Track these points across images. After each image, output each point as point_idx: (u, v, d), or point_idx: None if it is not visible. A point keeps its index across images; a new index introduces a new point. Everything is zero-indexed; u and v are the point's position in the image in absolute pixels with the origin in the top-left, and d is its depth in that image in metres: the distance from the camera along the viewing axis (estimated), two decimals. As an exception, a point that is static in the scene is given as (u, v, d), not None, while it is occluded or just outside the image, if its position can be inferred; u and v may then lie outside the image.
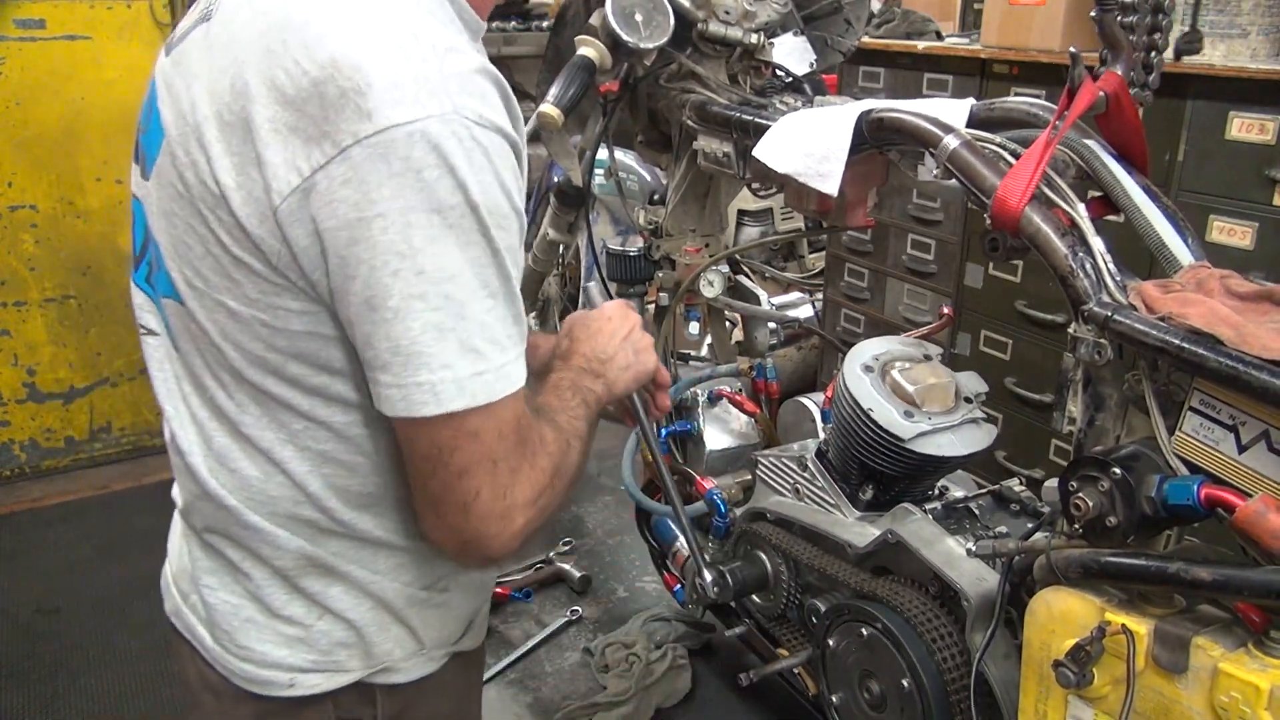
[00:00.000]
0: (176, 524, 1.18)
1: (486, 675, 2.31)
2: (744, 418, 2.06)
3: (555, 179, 2.53)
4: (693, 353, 2.53)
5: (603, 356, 1.17)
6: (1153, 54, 1.32)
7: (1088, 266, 1.17)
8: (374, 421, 0.95)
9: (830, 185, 1.49)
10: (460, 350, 0.86)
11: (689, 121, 1.86)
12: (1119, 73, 1.30)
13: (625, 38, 1.70)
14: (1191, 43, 2.34)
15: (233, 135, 0.86)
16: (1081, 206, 1.22)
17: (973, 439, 1.46)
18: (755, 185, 1.88)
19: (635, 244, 2.26)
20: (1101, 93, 1.25)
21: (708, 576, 1.71)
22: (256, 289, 0.89)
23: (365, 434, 0.96)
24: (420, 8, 0.89)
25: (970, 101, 1.48)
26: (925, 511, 1.49)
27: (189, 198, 0.90)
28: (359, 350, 0.89)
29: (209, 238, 0.90)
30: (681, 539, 2.06)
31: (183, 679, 1.15)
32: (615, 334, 1.20)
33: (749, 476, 1.87)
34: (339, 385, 0.94)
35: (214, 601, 1.06)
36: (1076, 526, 1.11)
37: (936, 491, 1.63)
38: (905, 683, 1.38)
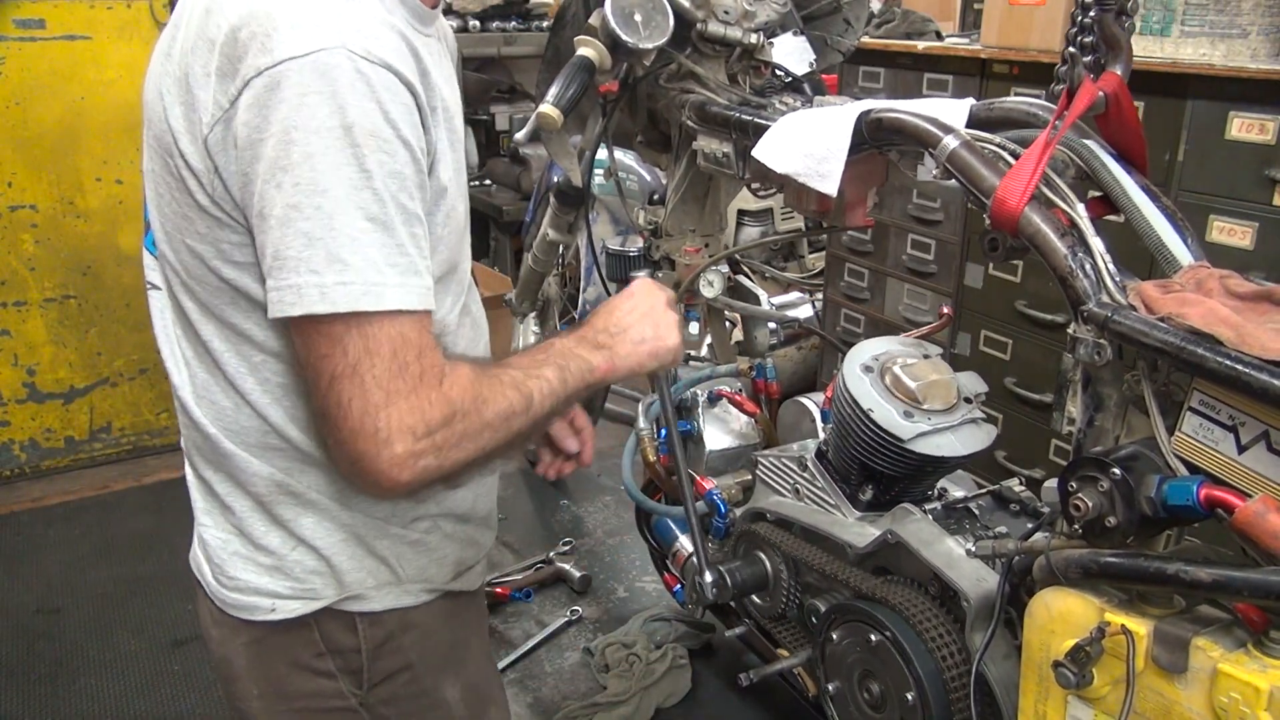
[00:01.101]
0: (185, 471, 1.25)
1: (486, 675, 2.31)
2: (744, 418, 2.06)
3: (555, 179, 2.53)
4: (693, 353, 2.53)
5: (614, 329, 1.19)
6: (1133, 55, 1.32)
7: (1087, 267, 1.17)
8: None
9: (830, 185, 1.49)
10: (327, 260, 0.92)
11: (688, 121, 1.86)
12: (1118, 73, 1.30)
13: (625, 38, 1.70)
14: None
15: (179, 87, 0.99)
16: (1081, 206, 1.22)
17: (972, 439, 1.46)
18: (755, 185, 1.88)
19: (635, 244, 2.26)
20: (1101, 93, 1.25)
21: (708, 577, 1.71)
22: (204, 224, 1.01)
23: None
24: None
25: (970, 101, 1.48)
26: (925, 512, 1.49)
27: (158, 150, 1.03)
28: (260, 263, 0.97)
29: (171, 183, 1.02)
30: (684, 539, 2.06)
31: (198, 617, 1.25)
32: (635, 309, 1.22)
33: (749, 476, 1.87)
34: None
35: (209, 538, 1.17)
36: (1076, 527, 1.11)
37: (936, 492, 1.63)
38: (905, 682, 1.38)
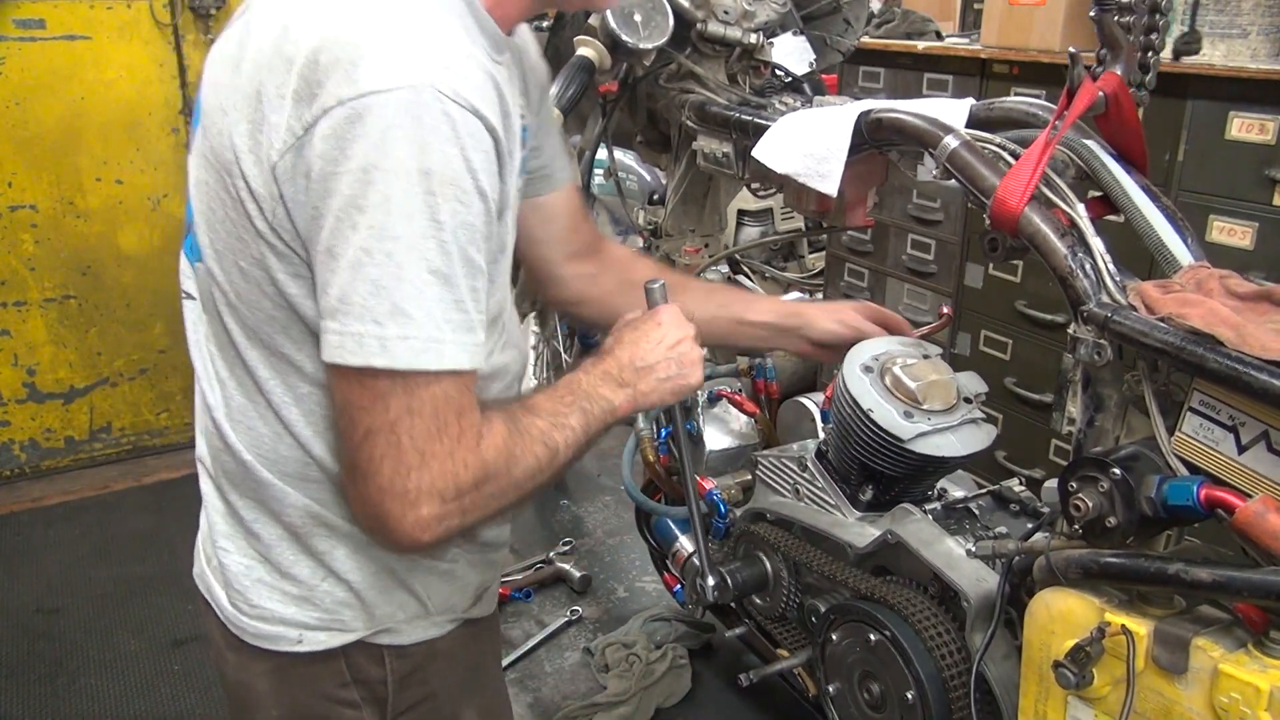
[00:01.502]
0: (203, 489, 1.21)
1: (486, 675, 2.31)
2: (744, 418, 2.06)
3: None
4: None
5: (639, 364, 1.17)
6: (1149, 54, 1.31)
7: (1087, 267, 1.17)
8: None
9: (830, 185, 1.49)
10: (391, 311, 0.89)
11: (688, 122, 1.86)
12: (1118, 73, 1.29)
13: (624, 38, 1.70)
14: (1190, 43, 2.34)
15: (249, 104, 0.93)
16: (1081, 207, 1.22)
17: (972, 439, 1.46)
18: (755, 185, 1.88)
19: (635, 244, 2.26)
20: (1101, 93, 1.25)
21: (710, 580, 1.71)
22: (260, 248, 0.96)
23: None
24: (434, 9, 0.94)
25: (970, 101, 1.48)
26: (925, 512, 1.49)
27: (215, 166, 0.98)
28: (318, 299, 0.93)
29: (227, 201, 0.97)
30: (684, 539, 2.06)
31: (209, 638, 1.20)
32: (662, 341, 1.19)
33: (749, 477, 1.87)
34: None
35: (229, 563, 1.12)
36: (1076, 527, 1.11)
37: (936, 492, 1.63)
38: (905, 683, 1.38)
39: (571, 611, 2.59)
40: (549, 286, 1.53)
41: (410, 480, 0.93)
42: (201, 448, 1.16)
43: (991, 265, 2.99)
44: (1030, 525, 1.41)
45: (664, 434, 2.04)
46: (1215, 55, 2.39)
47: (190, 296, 1.11)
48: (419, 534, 0.95)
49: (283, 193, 0.92)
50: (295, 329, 0.99)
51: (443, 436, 0.94)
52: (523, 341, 1.25)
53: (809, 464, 1.64)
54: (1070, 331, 1.18)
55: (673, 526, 2.09)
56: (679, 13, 1.75)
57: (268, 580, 1.10)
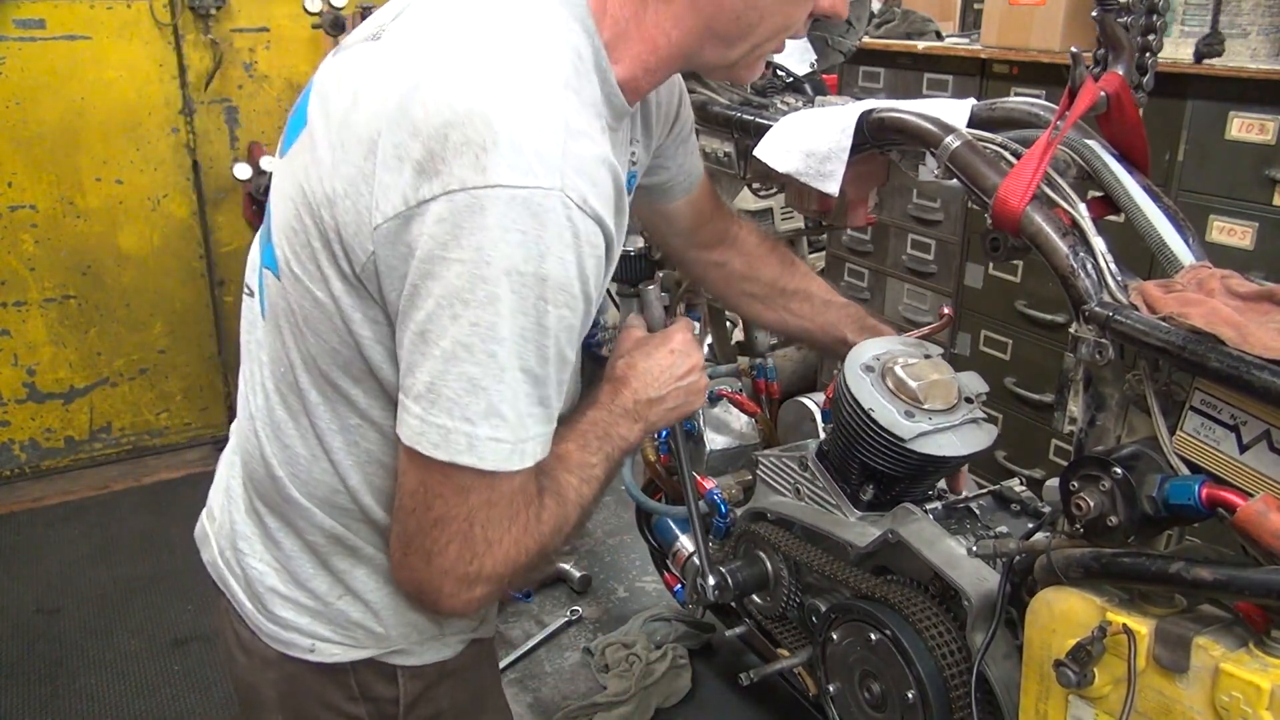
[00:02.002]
0: (220, 478, 1.22)
1: (487, 675, 2.31)
2: (744, 418, 2.06)
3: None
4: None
5: (652, 397, 1.18)
6: (1147, 54, 1.31)
7: (1089, 266, 1.17)
8: None
9: (831, 185, 1.49)
10: (486, 411, 0.88)
11: (689, 121, 1.86)
12: (1120, 73, 1.30)
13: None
14: (1212, 44, 2.34)
15: (359, 148, 0.90)
16: (1082, 206, 1.22)
17: (973, 439, 1.46)
18: (756, 185, 1.88)
19: (635, 243, 2.26)
20: (1102, 93, 1.25)
21: (710, 580, 1.71)
22: (339, 285, 0.94)
23: None
24: (567, 83, 0.92)
25: (971, 101, 1.48)
26: (926, 511, 1.49)
27: (305, 189, 0.95)
28: (401, 371, 0.92)
29: (311, 230, 0.95)
30: (684, 538, 2.06)
31: (219, 634, 1.21)
32: (673, 371, 1.20)
33: (749, 476, 1.87)
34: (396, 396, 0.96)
35: (248, 565, 1.12)
36: (1077, 526, 1.11)
37: (937, 492, 1.63)
38: (905, 682, 1.38)
39: (571, 611, 2.59)
40: (678, 266, 1.71)
41: (473, 566, 0.94)
42: (234, 443, 1.17)
43: (992, 265, 2.99)
44: (1031, 525, 1.41)
45: (664, 434, 2.04)
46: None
47: (251, 293, 1.10)
48: (465, 609, 0.98)
49: (377, 253, 0.90)
50: (357, 367, 0.98)
51: (512, 526, 0.95)
52: None
53: (809, 463, 1.64)
54: (1072, 331, 1.18)
55: (673, 526, 2.09)
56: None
57: (283, 590, 1.10)
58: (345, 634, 1.10)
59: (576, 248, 0.88)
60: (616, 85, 1.00)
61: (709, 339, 2.47)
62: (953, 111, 1.44)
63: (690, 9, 0.99)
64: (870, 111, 1.46)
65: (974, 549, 1.33)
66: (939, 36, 3.30)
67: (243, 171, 3.37)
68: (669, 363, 1.21)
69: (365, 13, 3.47)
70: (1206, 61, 2.35)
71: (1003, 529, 1.50)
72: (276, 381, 1.05)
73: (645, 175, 1.35)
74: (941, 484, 1.65)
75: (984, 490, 1.61)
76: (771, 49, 1.06)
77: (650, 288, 1.30)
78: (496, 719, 1.31)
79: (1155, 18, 1.33)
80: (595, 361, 2.71)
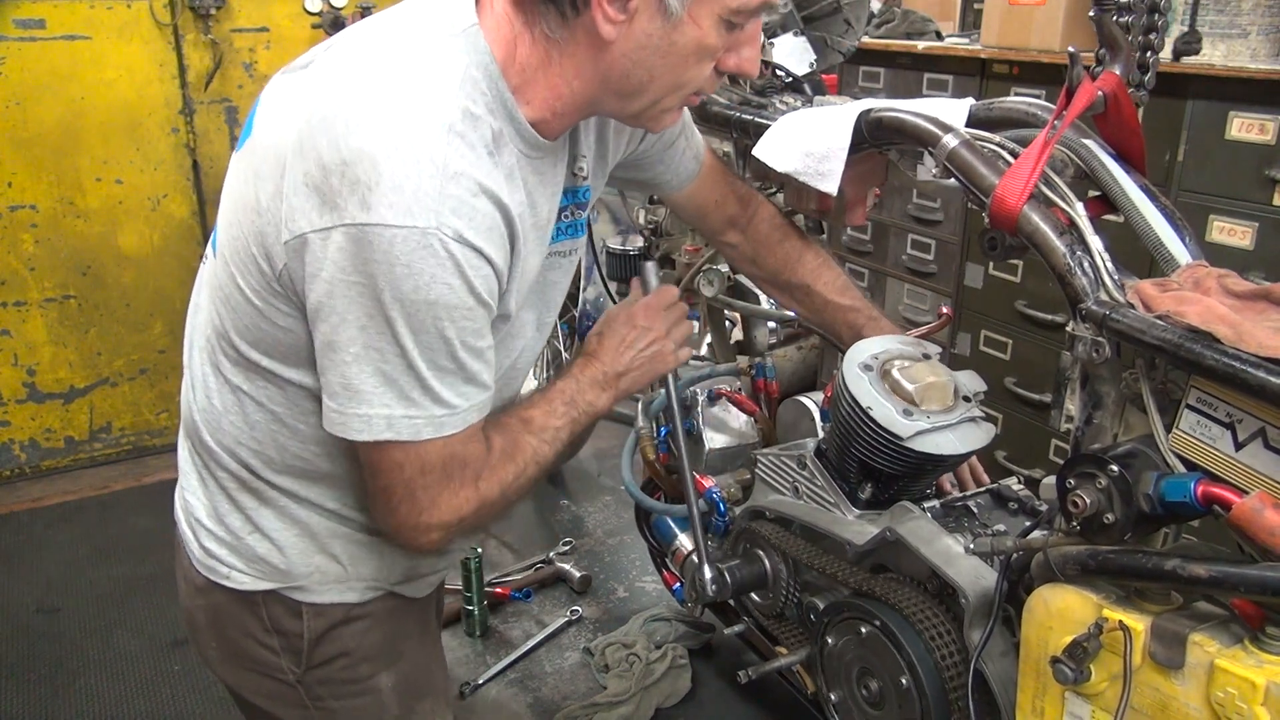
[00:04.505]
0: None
1: (486, 675, 2.31)
2: (743, 416, 2.06)
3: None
4: (693, 352, 2.53)
5: (619, 369, 1.35)
6: (1149, 54, 1.32)
7: (1086, 265, 1.17)
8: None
9: (830, 185, 1.50)
10: (399, 398, 1.04)
11: (688, 121, 1.86)
12: (1117, 73, 1.30)
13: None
14: (1190, 43, 2.34)
15: (277, 168, 1.03)
16: (1080, 206, 1.22)
17: (971, 437, 1.46)
18: (755, 184, 1.89)
19: (635, 243, 2.26)
20: (1100, 93, 1.25)
21: (707, 574, 1.71)
22: (260, 284, 1.08)
23: (316, 419, 1.12)
24: (452, 127, 1.02)
25: (969, 101, 1.49)
26: (924, 510, 1.49)
27: (243, 193, 1.09)
28: (319, 372, 1.08)
29: (246, 229, 1.08)
30: (683, 537, 2.06)
31: (176, 567, 1.36)
32: (635, 345, 1.37)
33: (748, 475, 1.87)
34: (309, 379, 1.12)
35: (185, 499, 1.29)
36: (1074, 524, 1.11)
37: (935, 489, 1.63)
38: (903, 680, 1.39)
39: (571, 611, 2.59)
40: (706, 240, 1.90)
41: (422, 518, 1.12)
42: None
43: (991, 265, 2.99)
44: (1028, 523, 1.41)
45: (663, 432, 2.05)
46: (1215, 55, 2.39)
47: (205, 258, 1.24)
48: (428, 548, 1.17)
49: (289, 264, 1.03)
50: (266, 343, 1.12)
51: (449, 482, 1.11)
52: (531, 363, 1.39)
53: (808, 462, 1.64)
54: (1069, 329, 1.18)
55: (672, 525, 2.09)
56: (679, 12, 1.75)
57: (207, 524, 1.25)
58: (254, 567, 1.24)
59: (460, 273, 1.01)
60: (527, 123, 1.11)
61: (708, 338, 2.48)
62: (951, 111, 1.44)
63: (588, 64, 1.09)
64: (869, 111, 1.46)
65: (971, 547, 1.34)
66: (939, 36, 3.30)
67: (243, 171, 3.36)
68: (632, 337, 1.37)
69: (365, 12, 3.47)
70: (1204, 61, 2.35)
71: (1000, 527, 1.50)
72: (204, 340, 1.20)
73: (629, 174, 1.49)
74: (950, 477, 1.66)
75: (982, 489, 1.62)
76: (677, 103, 1.16)
77: (648, 264, 1.44)
78: (413, 672, 1.38)
79: (1157, 17, 1.33)
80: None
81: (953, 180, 1.32)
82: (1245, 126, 2.30)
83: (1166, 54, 2.36)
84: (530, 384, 3.47)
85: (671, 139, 1.47)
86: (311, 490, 1.22)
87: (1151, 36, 1.34)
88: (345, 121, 0.99)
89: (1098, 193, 1.29)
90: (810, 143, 1.52)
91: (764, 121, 1.67)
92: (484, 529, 1.27)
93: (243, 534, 1.23)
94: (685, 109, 1.42)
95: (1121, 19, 1.33)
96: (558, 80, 1.10)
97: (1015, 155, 1.28)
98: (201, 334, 1.20)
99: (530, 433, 1.22)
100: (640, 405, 2.03)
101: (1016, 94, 2.67)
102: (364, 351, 1.02)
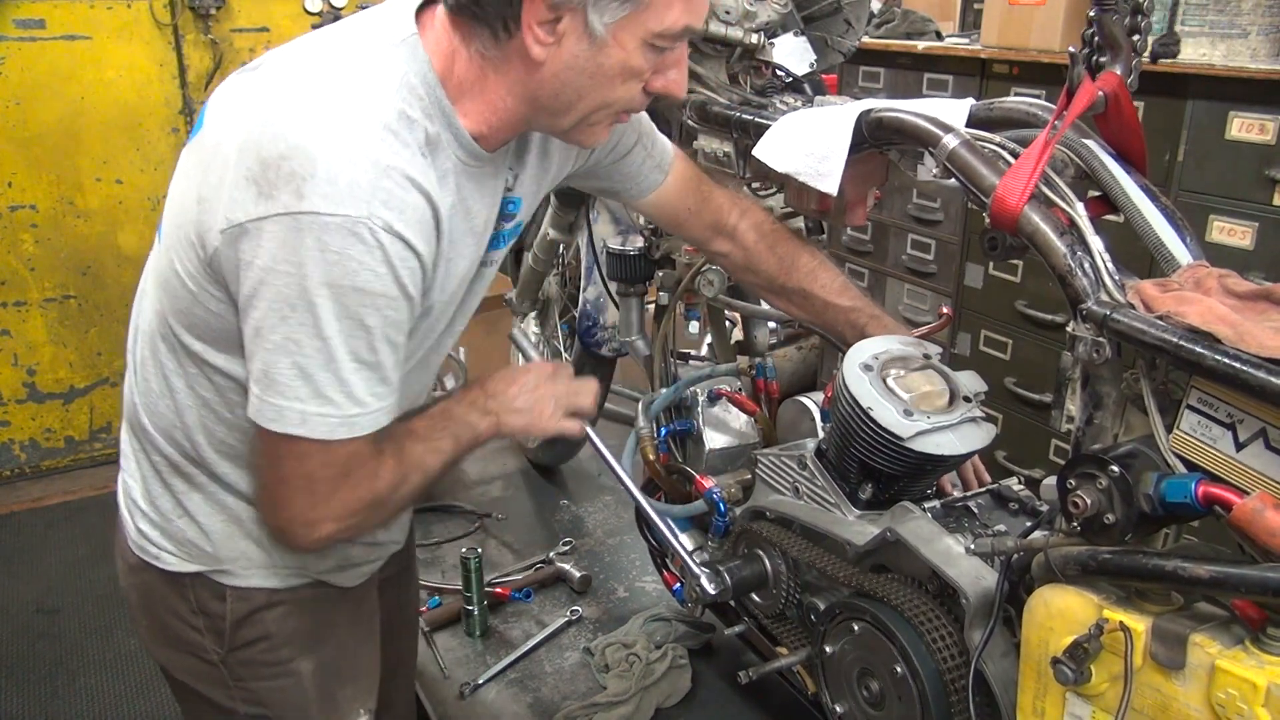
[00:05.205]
0: None
1: (486, 675, 2.31)
2: (743, 417, 2.06)
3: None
4: (693, 352, 2.53)
5: (500, 402, 1.37)
6: (1133, 55, 1.32)
7: (1086, 265, 1.17)
8: None
9: (830, 185, 1.50)
10: (313, 394, 1.07)
11: (689, 121, 1.86)
12: (1118, 73, 1.30)
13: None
14: (1168, 45, 2.34)
15: (220, 162, 1.08)
16: (1080, 206, 1.22)
17: (971, 438, 1.46)
18: (755, 185, 1.89)
19: (635, 243, 2.26)
20: (1100, 93, 1.25)
21: (703, 579, 1.72)
22: (195, 269, 1.12)
23: (243, 409, 1.15)
24: (388, 126, 1.08)
25: (970, 101, 1.48)
26: (924, 510, 1.49)
27: (188, 185, 1.14)
28: (246, 358, 1.11)
29: (188, 218, 1.12)
30: (683, 537, 2.06)
31: (115, 547, 1.41)
32: (527, 382, 1.40)
33: (748, 475, 1.87)
34: (237, 367, 1.15)
35: (123, 479, 1.35)
36: (1075, 524, 1.11)
37: (935, 490, 1.63)
38: (903, 680, 1.39)
39: (571, 611, 2.59)
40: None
41: (315, 512, 1.15)
42: None
43: (991, 265, 2.99)
44: (1029, 523, 1.41)
45: (663, 433, 2.05)
46: (1215, 55, 2.40)
47: (154, 246, 1.28)
48: (315, 546, 1.19)
49: (220, 251, 1.07)
50: (200, 329, 1.16)
51: (345, 481, 1.15)
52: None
53: (808, 462, 1.64)
54: (1069, 330, 1.18)
55: (672, 525, 2.09)
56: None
57: (141, 504, 1.30)
58: (183, 549, 1.29)
59: (387, 262, 1.06)
60: (467, 133, 1.16)
61: (708, 338, 2.48)
62: (951, 111, 1.44)
63: (520, 83, 1.14)
64: (869, 111, 1.46)
65: (972, 547, 1.34)
66: (939, 36, 3.31)
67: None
68: (523, 380, 1.40)
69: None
70: (1204, 61, 2.35)
71: (1001, 527, 1.50)
72: (147, 325, 1.24)
73: (587, 184, 1.56)
74: (952, 477, 1.66)
75: (982, 489, 1.61)
76: (606, 120, 1.21)
77: (517, 331, 1.59)
78: (338, 659, 1.42)
79: (1140, 18, 1.33)
80: (595, 360, 2.71)
81: (953, 180, 1.32)
82: (1245, 126, 2.30)
83: (1188, 55, 2.36)
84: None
85: (624, 151, 1.50)
86: (239, 476, 1.25)
87: (1134, 38, 1.34)
88: (285, 120, 1.05)
89: (1098, 193, 1.29)
90: (810, 143, 1.52)
91: (764, 121, 1.67)
92: (368, 531, 1.29)
93: (173, 516, 1.28)
94: (643, 119, 1.50)
95: (1142, 20, 1.33)
96: (492, 96, 1.15)
97: (1015, 155, 1.27)
98: (145, 319, 1.25)
99: (416, 440, 1.25)
100: (640, 405, 2.03)
101: (1016, 94, 2.67)
102: (284, 342, 1.05)
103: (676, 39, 1.13)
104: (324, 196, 1.02)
